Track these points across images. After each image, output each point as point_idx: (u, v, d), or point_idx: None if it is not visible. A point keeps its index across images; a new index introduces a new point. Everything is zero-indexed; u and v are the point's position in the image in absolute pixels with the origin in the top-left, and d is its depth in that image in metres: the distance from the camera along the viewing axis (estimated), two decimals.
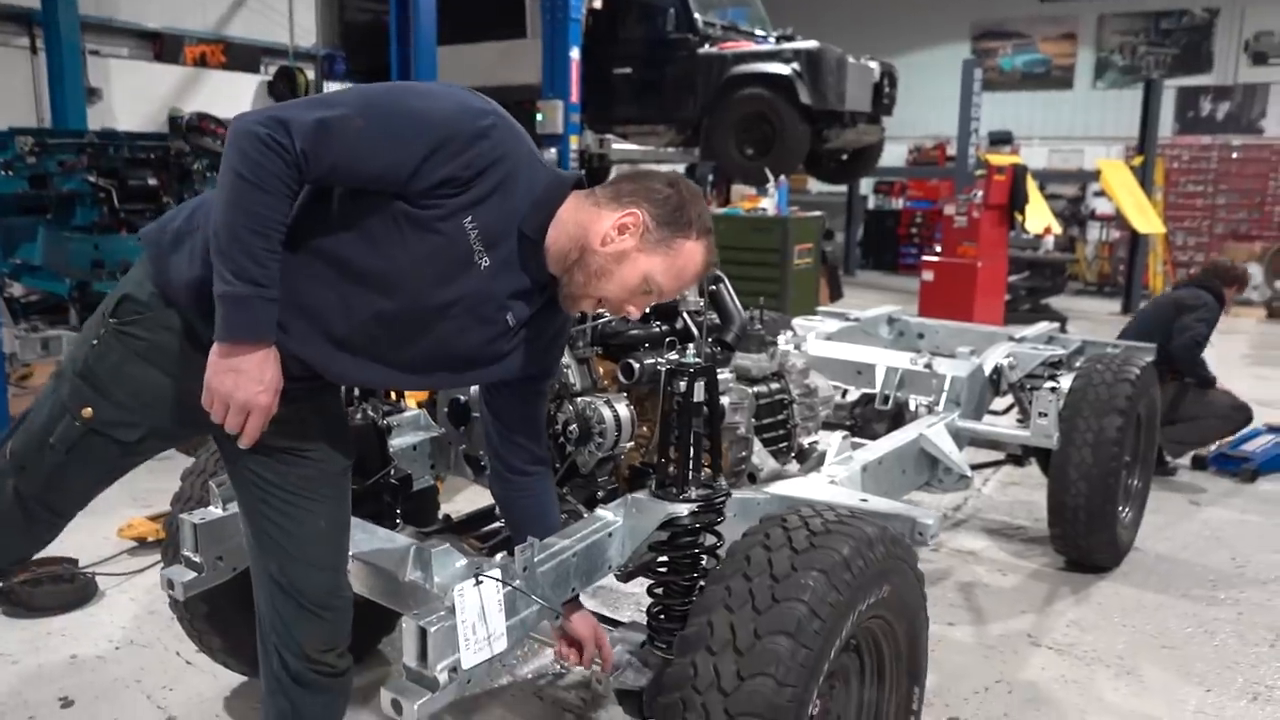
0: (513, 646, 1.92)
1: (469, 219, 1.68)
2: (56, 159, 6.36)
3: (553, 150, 9.38)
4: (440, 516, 2.93)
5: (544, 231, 1.77)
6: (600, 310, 1.96)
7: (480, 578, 1.83)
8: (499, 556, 1.94)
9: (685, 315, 2.54)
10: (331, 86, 11.78)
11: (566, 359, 2.39)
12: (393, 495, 2.57)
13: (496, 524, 2.83)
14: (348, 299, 1.71)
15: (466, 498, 4.01)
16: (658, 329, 2.53)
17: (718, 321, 2.71)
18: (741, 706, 1.71)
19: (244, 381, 1.64)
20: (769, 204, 7.77)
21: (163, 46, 10.21)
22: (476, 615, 1.82)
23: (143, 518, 3.99)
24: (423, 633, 1.75)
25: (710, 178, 10.67)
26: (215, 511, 2.27)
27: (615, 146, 10.39)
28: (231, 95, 10.76)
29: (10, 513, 1.83)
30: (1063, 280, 11.14)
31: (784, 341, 4.02)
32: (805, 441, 3.28)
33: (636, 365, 2.40)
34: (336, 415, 1.98)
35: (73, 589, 3.46)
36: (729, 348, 2.71)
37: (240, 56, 10.90)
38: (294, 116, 1.59)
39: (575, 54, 9.38)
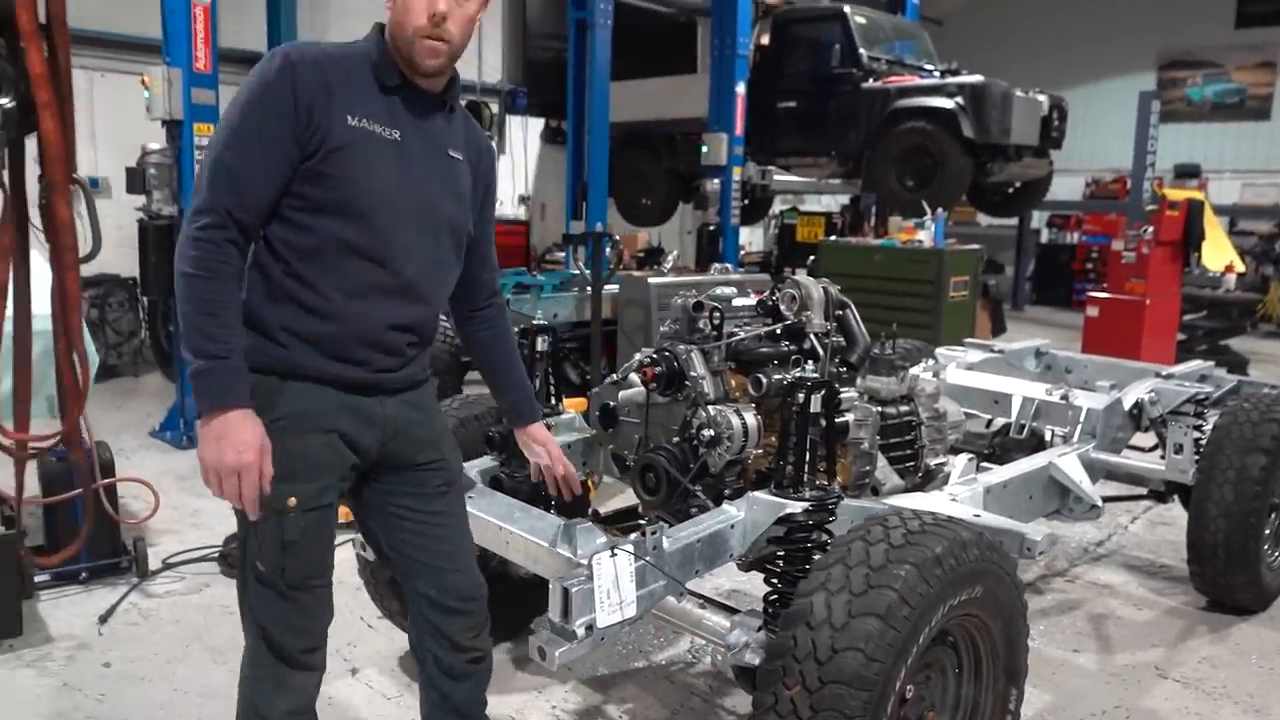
0: (641, 614, 2.24)
1: (348, 119, 1.89)
2: None
3: (716, 181, 9.75)
4: (590, 512, 3.28)
5: (397, 73, 1.97)
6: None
7: (615, 550, 2.15)
8: (633, 535, 2.26)
9: (812, 337, 2.80)
10: (514, 119, 12.57)
11: (701, 370, 2.70)
12: (547, 486, 2.93)
13: (639, 520, 3.16)
14: (373, 247, 1.93)
15: (617, 504, 4.35)
16: (786, 348, 2.81)
17: (843, 344, 2.95)
18: (833, 675, 1.95)
19: (226, 447, 1.81)
20: (925, 236, 7.85)
21: None
22: (611, 582, 2.15)
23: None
24: (565, 593, 2.09)
25: (872, 209, 10.76)
26: None
27: (777, 178, 10.64)
28: None
29: (299, 607, 2.02)
30: (1247, 321, 10.59)
31: (920, 368, 4.20)
32: (932, 463, 3.45)
33: (765, 379, 2.68)
34: (444, 422, 2.28)
35: None
36: (853, 368, 2.95)
37: None
38: (200, 198, 1.85)
39: (741, 89, 9.72)
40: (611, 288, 5.86)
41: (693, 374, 2.69)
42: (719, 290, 2.95)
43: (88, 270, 8.41)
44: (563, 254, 9.79)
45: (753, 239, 15.14)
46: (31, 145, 1.99)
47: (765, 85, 10.31)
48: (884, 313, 7.38)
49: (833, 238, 9.30)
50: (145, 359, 8.28)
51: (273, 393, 1.94)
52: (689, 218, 12.72)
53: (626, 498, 4.14)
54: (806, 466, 2.42)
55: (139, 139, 6.46)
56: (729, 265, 6.12)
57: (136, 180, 5.82)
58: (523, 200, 12.80)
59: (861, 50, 9.79)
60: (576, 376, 6.22)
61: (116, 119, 8.48)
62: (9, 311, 1.64)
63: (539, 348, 3.15)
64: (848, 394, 2.92)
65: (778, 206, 13.16)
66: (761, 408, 2.75)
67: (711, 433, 2.62)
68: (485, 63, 12.47)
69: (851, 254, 8.08)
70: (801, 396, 2.38)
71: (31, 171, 2.32)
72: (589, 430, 3.18)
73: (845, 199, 12.51)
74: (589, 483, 3.46)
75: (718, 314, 2.73)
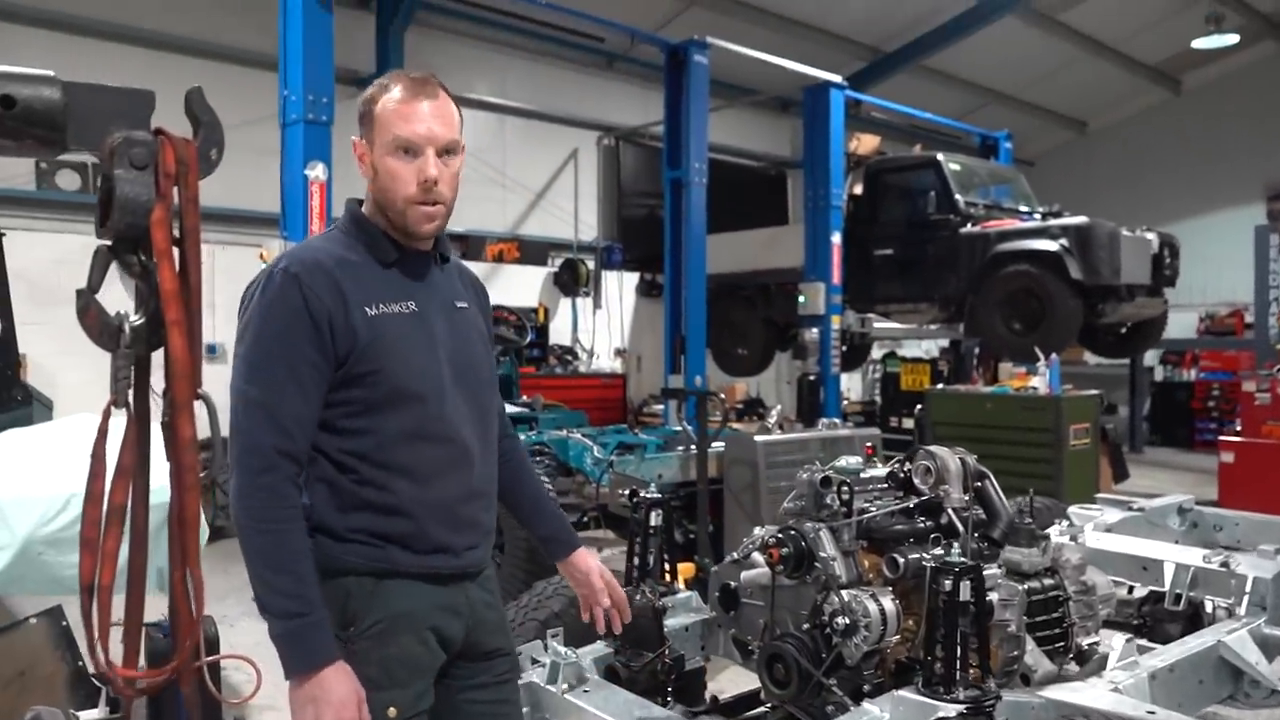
0: None
1: (367, 311, 1.83)
2: None
3: (815, 330, 9.68)
4: (707, 698, 3.05)
5: (391, 248, 1.92)
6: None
7: None
8: None
9: (950, 511, 2.59)
10: (609, 274, 12.83)
11: (832, 550, 2.51)
12: (666, 674, 2.73)
13: (761, 709, 2.91)
14: (431, 425, 1.88)
15: (729, 677, 4.08)
16: (922, 524, 2.60)
17: (984, 517, 2.73)
18: None
19: (324, 709, 1.71)
20: (1040, 382, 7.54)
21: (468, 246, 11.64)
22: None
23: None
24: None
25: (974, 353, 10.50)
26: None
27: (877, 325, 10.52)
28: (522, 286, 11.99)
29: None
30: None
31: (1057, 533, 3.90)
32: (1084, 642, 3.13)
33: (901, 560, 2.47)
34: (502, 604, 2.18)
35: None
36: (996, 544, 2.71)
37: (531, 252, 12.17)
38: (240, 441, 1.78)
39: (836, 238, 9.76)
40: (717, 446, 5.71)
41: (823, 555, 2.49)
42: (844, 462, 2.78)
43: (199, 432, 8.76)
44: (661, 407, 9.74)
45: (850, 386, 14.91)
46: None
47: (860, 233, 10.32)
48: (1000, 463, 6.97)
49: (940, 385, 9.03)
50: None
51: (368, 594, 1.86)
52: (785, 367, 12.64)
53: (735, 673, 3.87)
54: (958, 663, 2.17)
55: None
56: (837, 420, 5.93)
57: None
58: (619, 353, 12.92)
59: (958, 196, 9.76)
60: (681, 536, 6.02)
61: (236, 289, 8.82)
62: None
63: (653, 522, 3.00)
64: (989, 571, 2.68)
65: (876, 353, 12.99)
66: (897, 589, 2.53)
67: (846, 621, 2.40)
68: (581, 221, 12.87)
69: (961, 402, 7.80)
70: (949, 583, 2.16)
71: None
72: (707, 611, 2.99)
73: (944, 343, 12.28)
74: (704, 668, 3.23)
75: (846, 489, 2.55)
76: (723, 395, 6.79)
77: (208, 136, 1.36)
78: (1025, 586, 2.87)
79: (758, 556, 2.67)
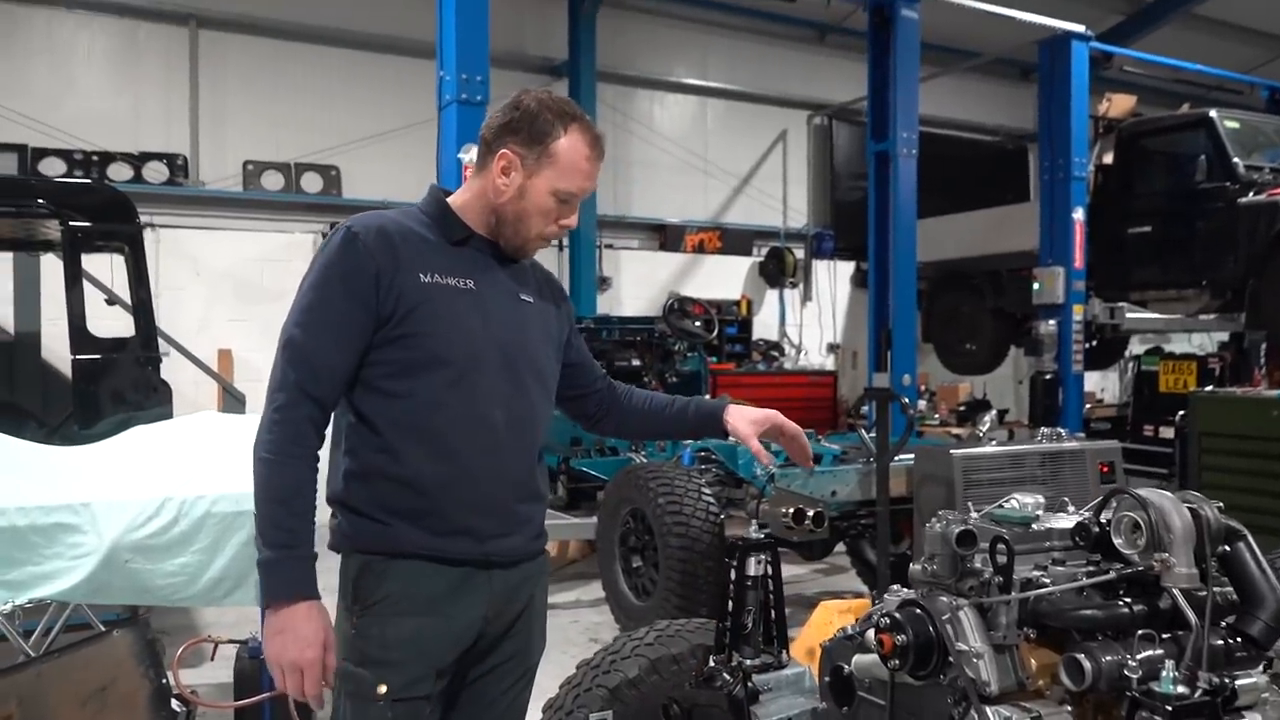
0: None
1: (421, 277, 1.86)
2: None
3: (1051, 322, 8.40)
4: None
5: (464, 228, 1.95)
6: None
7: None
8: None
9: (1175, 592, 1.66)
10: (819, 264, 11.90)
11: (976, 642, 1.66)
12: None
13: None
14: (464, 399, 1.88)
15: None
16: (1127, 608, 1.69)
17: (1234, 599, 1.77)
18: None
19: (289, 641, 1.74)
20: None
21: (666, 236, 11.11)
22: None
23: None
24: None
25: (1261, 349, 8.76)
26: None
27: (1130, 315, 8.98)
28: (724, 277, 11.31)
29: None
30: None
31: None
32: None
33: (1089, 664, 1.59)
34: (544, 600, 2.09)
35: None
36: (1257, 644, 1.74)
37: (734, 241, 11.47)
38: (275, 378, 1.82)
39: (1079, 214, 8.42)
40: (906, 458, 4.78)
41: (961, 649, 1.66)
42: (1014, 502, 1.91)
43: None
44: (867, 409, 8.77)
45: (1105, 386, 13.10)
46: None
47: (1110, 209, 8.87)
48: None
49: (1209, 388, 7.47)
50: None
51: (379, 573, 1.88)
52: (1022, 364, 11.21)
53: None
54: None
55: None
56: (1062, 431, 4.82)
57: None
58: (831, 349, 11.95)
59: (1235, 159, 8.11)
60: (875, 556, 5.14)
61: None
62: None
63: (751, 571, 2.25)
64: (1249, 681, 1.73)
65: (1136, 348, 11.23)
66: (1084, 707, 1.65)
67: None
68: (790, 208, 12.02)
69: (1237, 409, 6.30)
70: None
71: None
72: (818, 700, 2.19)
73: (1224, 337, 10.42)
74: None
75: (1003, 549, 1.69)
76: (905, 399, 5.78)
77: None
78: None
79: (873, 637, 1.86)
